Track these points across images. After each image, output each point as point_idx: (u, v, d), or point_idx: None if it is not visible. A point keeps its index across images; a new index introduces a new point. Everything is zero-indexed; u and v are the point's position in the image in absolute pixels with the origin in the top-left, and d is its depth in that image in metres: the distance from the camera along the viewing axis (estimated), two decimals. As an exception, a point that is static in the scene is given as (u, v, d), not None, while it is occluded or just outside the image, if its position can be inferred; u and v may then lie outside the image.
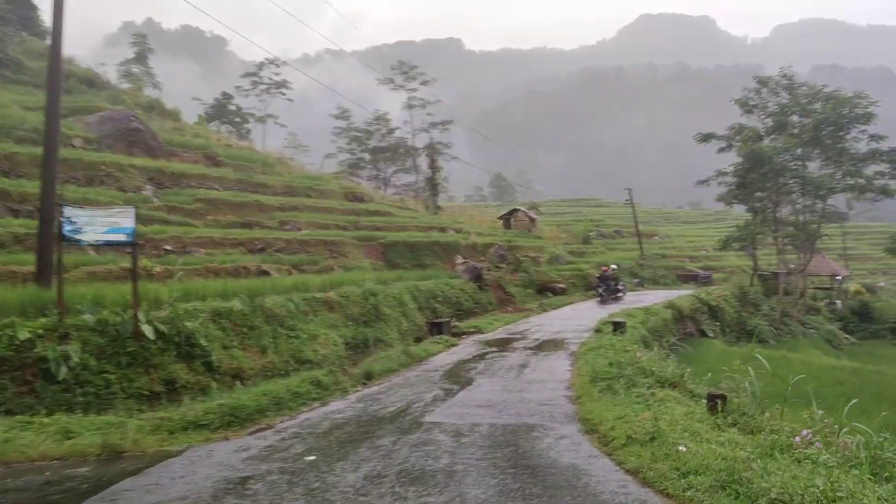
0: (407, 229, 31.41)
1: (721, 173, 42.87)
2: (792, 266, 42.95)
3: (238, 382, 11.24)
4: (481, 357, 16.55)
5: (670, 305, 28.88)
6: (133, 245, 10.25)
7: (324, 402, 11.15)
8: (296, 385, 11.21)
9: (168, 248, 20.37)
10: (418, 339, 20.08)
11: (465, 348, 18.39)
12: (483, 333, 21.87)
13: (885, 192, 36.01)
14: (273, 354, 12.71)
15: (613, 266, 36.44)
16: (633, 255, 52.03)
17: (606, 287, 33.32)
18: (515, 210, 51.40)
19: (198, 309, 11.64)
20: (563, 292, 33.63)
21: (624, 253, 52.51)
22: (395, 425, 9.18)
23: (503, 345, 18.86)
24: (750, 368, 8.83)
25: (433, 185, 62.28)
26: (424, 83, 65.97)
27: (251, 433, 8.93)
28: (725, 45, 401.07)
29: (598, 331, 21.32)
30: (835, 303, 48.94)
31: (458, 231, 34.97)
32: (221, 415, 9.13)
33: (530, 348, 17.97)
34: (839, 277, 51.10)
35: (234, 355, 11.74)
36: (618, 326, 19.14)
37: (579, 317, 26.31)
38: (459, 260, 29.51)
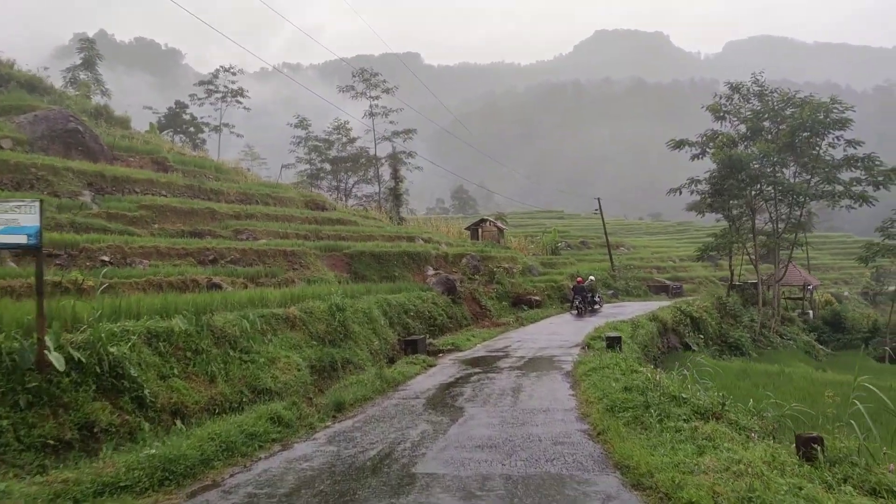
0: (373, 239, 29.26)
1: (693, 181, 41.68)
2: (764, 277, 42.07)
3: (178, 421, 9.00)
4: (465, 380, 14.55)
5: (654, 318, 27.30)
6: (37, 250, 7.97)
7: (286, 443, 9.00)
8: (251, 423, 9.04)
9: (105, 258, 17.93)
10: (391, 360, 18.01)
11: (445, 369, 16.37)
12: (461, 351, 19.90)
13: (863, 198, 35.15)
14: (223, 384, 10.49)
15: (591, 277, 34.89)
16: (603, 265, 50.67)
17: (583, 299, 31.72)
18: (483, 220, 49.58)
19: (129, 330, 9.38)
20: (538, 305, 31.84)
21: (593, 264, 51.10)
22: (381, 480, 7.08)
23: (487, 364, 16.90)
24: (857, 401, 6.98)
25: (396, 196, 60.20)
26: (386, 91, 63.91)
27: (191, 495, 6.75)
28: (679, 60, 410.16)
29: (587, 347, 19.57)
30: (807, 313, 48.30)
31: (427, 241, 32.92)
32: (151, 470, 6.93)
33: (518, 368, 16.03)
34: (810, 287, 50.55)
35: (173, 386, 9.49)
36: (613, 342, 17.32)
37: (562, 331, 24.53)
38: (430, 271, 27.49)
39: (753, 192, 38.09)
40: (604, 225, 54.24)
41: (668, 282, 53.06)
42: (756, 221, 40.36)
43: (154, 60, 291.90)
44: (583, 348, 19.50)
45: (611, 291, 40.91)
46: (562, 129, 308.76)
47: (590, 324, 26.53)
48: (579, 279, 34.17)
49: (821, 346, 41.73)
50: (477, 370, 15.96)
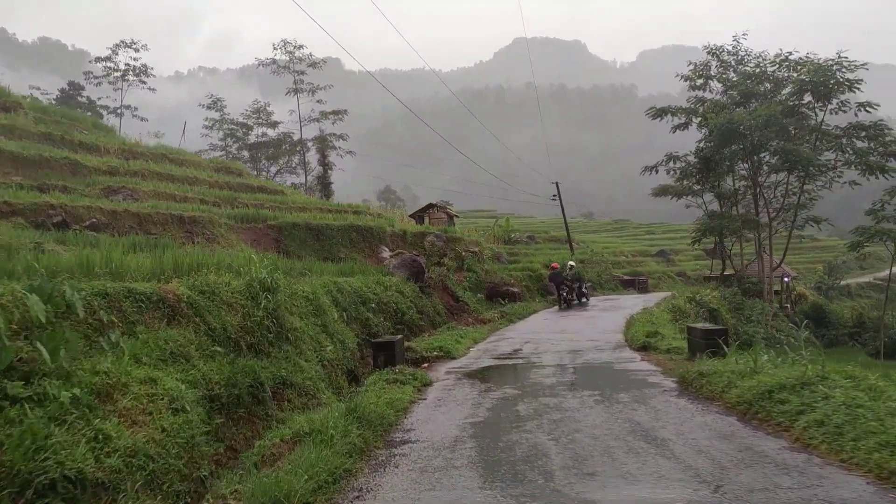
0: (308, 210, 21.90)
1: (672, 157, 36.27)
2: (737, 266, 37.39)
3: None
4: (510, 412, 7.74)
5: (676, 309, 21.18)
6: None
7: None
8: None
9: None
10: (352, 375, 10.95)
11: (452, 391, 9.49)
12: (456, 359, 13.02)
13: (880, 169, 30.22)
14: None
15: (570, 263, 28.55)
16: (565, 256, 44.71)
17: (570, 289, 25.41)
18: (431, 206, 42.64)
19: None
20: (518, 298, 25.22)
21: (549, 256, 45.14)
22: None
23: (513, 380, 10.20)
24: None
25: (325, 185, 52.54)
26: (312, 65, 56.07)
27: None
28: (596, 67, 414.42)
29: (644, 348, 13.09)
30: (786, 306, 43.78)
31: (378, 216, 25.79)
32: None
33: (580, 387, 9.33)
34: (787, 279, 46.14)
35: None
36: (712, 340, 10.77)
37: (573, 328, 17.95)
38: (386, 252, 20.42)
39: (755, 163, 32.80)
40: (563, 212, 48.23)
41: (630, 277, 47.68)
42: (746, 202, 35.28)
43: (60, 62, 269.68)
44: (640, 350, 13.04)
45: (589, 284, 34.87)
46: (486, 134, 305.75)
47: (598, 318, 20.22)
48: (554, 265, 27.83)
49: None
50: (510, 391, 9.18)
